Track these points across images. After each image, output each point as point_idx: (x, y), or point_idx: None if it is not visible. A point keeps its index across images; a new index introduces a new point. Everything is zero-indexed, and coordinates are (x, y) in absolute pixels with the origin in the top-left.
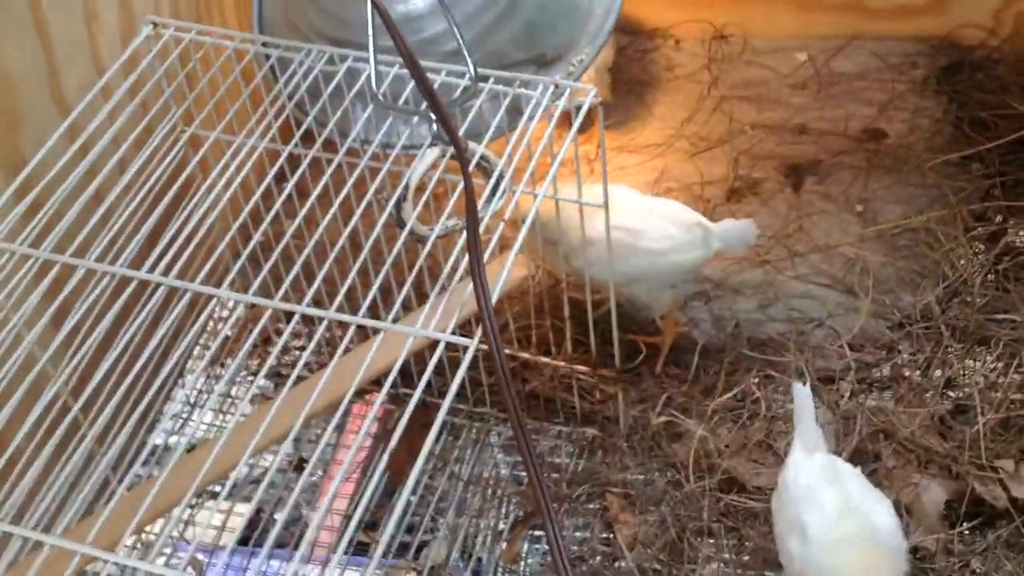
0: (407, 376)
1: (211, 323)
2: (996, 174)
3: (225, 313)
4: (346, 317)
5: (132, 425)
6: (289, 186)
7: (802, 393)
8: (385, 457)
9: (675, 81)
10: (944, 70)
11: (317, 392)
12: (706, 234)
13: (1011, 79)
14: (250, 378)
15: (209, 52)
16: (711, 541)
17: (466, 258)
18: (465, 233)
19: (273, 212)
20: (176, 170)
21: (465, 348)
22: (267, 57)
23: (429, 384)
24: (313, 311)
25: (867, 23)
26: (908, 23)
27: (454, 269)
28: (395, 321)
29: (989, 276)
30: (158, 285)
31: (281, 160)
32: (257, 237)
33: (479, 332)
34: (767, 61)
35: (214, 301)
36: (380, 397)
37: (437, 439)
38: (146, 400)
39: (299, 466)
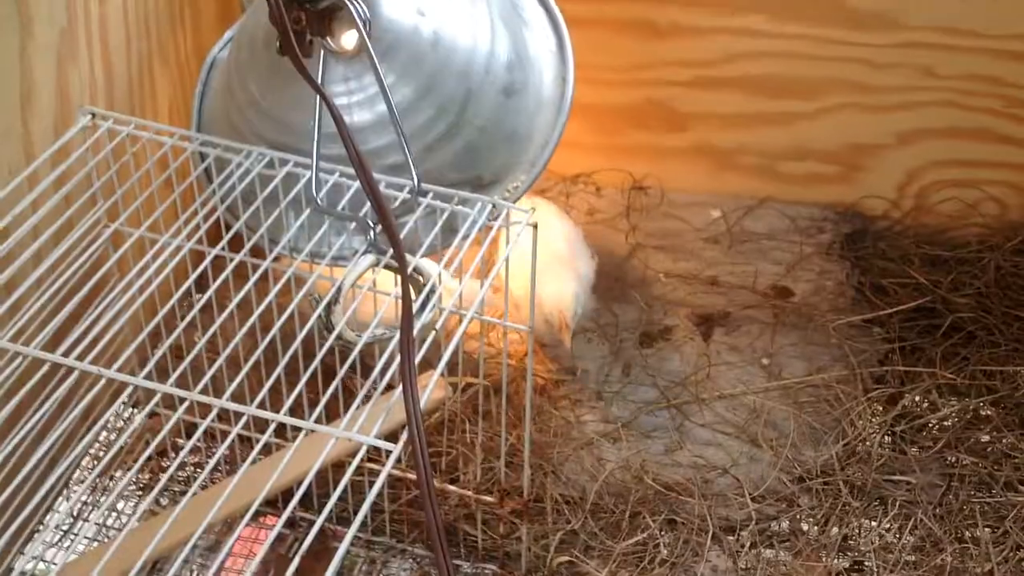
0: (304, 500)
1: (104, 433)
2: (895, 339)
3: (120, 424)
4: (268, 414)
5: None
6: (211, 289)
7: None
8: None
9: (595, 226)
10: (849, 236)
11: (224, 497)
12: None
13: (911, 250)
14: (139, 493)
15: (145, 147)
16: None
17: (389, 370)
18: (392, 343)
19: (191, 315)
20: (94, 266)
21: (388, 452)
22: (202, 156)
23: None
24: (234, 406)
25: (778, 187)
26: (817, 190)
27: (379, 378)
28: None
29: (886, 437)
30: (69, 371)
31: (206, 262)
32: (171, 340)
33: (403, 437)
34: (683, 214)
35: (116, 403)
36: (285, 514)
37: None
38: (33, 502)
39: None
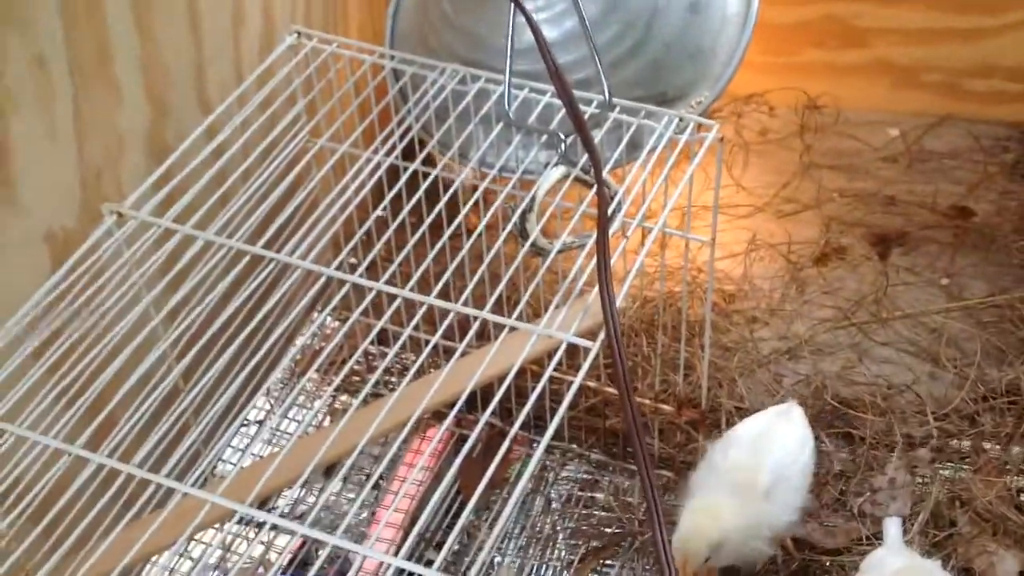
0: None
1: (305, 339)
2: None
3: (329, 328)
4: (473, 311)
5: (227, 400)
6: (411, 202)
7: (893, 524)
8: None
9: (767, 146)
10: None
11: (436, 387)
12: None
13: None
14: (334, 395)
15: (347, 66)
16: None
17: (584, 275)
18: (583, 250)
19: (395, 224)
20: (298, 181)
21: (586, 351)
22: (396, 76)
23: (509, 412)
24: (441, 303)
25: (961, 104)
26: (1002, 108)
27: (573, 283)
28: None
29: None
30: (271, 262)
31: (404, 178)
32: (380, 243)
33: (601, 335)
34: (859, 133)
35: (326, 311)
36: (487, 410)
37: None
38: (244, 374)
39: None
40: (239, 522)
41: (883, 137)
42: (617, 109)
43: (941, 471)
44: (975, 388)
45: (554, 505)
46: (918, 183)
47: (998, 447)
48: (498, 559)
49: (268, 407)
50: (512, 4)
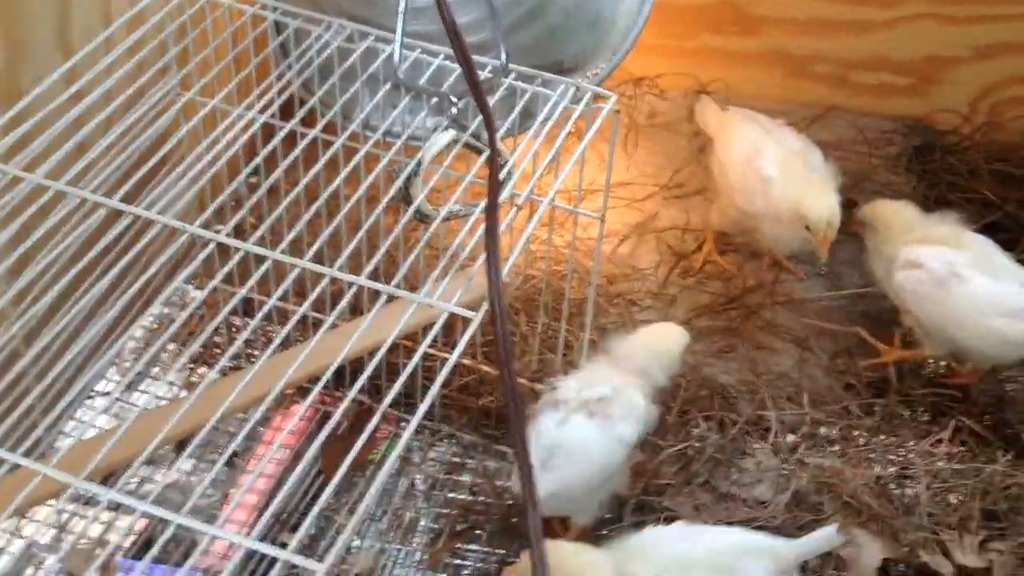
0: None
1: (162, 308)
2: None
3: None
4: (348, 276)
5: (72, 366)
6: (284, 163)
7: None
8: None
9: (656, 129)
10: (917, 150)
11: (300, 359)
12: None
13: (980, 165)
14: (191, 367)
15: (225, 15)
16: None
17: (466, 249)
18: (468, 220)
19: (266, 185)
20: (164, 135)
21: (465, 325)
22: (278, 29)
23: (379, 389)
24: (314, 266)
25: (848, 96)
26: (887, 101)
27: (455, 255)
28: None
29: None
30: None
31: (279, 137)
32: (250, 203)
33: (484, 307)
34: None
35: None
36: (318, 386)
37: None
38: (91, 339)
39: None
40: (77, 500)
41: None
42: (513, 75)
43: (809, 458)
44: (845, 378)
45: (419, 487)
46: None
47: (866, 436)
48: (357, 543)
49: (119, 378)
50: None
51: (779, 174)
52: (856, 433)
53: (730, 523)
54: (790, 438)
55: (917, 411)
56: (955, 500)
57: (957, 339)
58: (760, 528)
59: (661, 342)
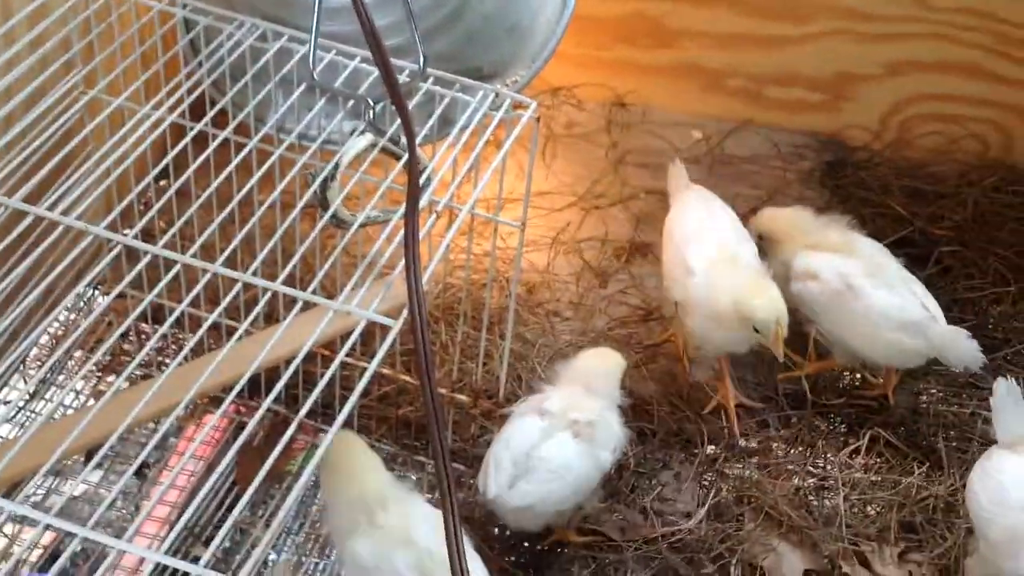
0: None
1: (65, 314)
2: None
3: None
4: (263, 282)
5: None
6: (194, 165)
7: (1004, 387)
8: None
9: (574, 140)
10: (830, 165)
11: (212, 367)
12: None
13: (891, 181)
14: (98, 375)
15: (131, 10)
16: None
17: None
18: (387, 227)
19: (173, 188)
20: (68, 133)
21: (384, 333)
22: (189, 26)
23: (295, 399)
24: (226, 271)
25: (762, 111)
26: (801, 117)
27: (373, 263)
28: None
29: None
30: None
31: (188, 138)
32: (159, 205)
33: (404, 314)
34: (664, 133)
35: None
36: (231, 397)
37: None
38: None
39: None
40: None
41: (687, 138)
42: (431, 80)
43: (729, 469)
44: (763, 390)
45: None
46: (720, 186)
47: (784, 447)
48: (273, 557)
49: (23, 385)
50: None
51: (704, 269)
52: (775, 445)
53: (652, 540)
54: (710, 450)
55: (834, 422)
56: (873, 512)
57: (857, 349)
58: (682, 542)
59: (602, 363)
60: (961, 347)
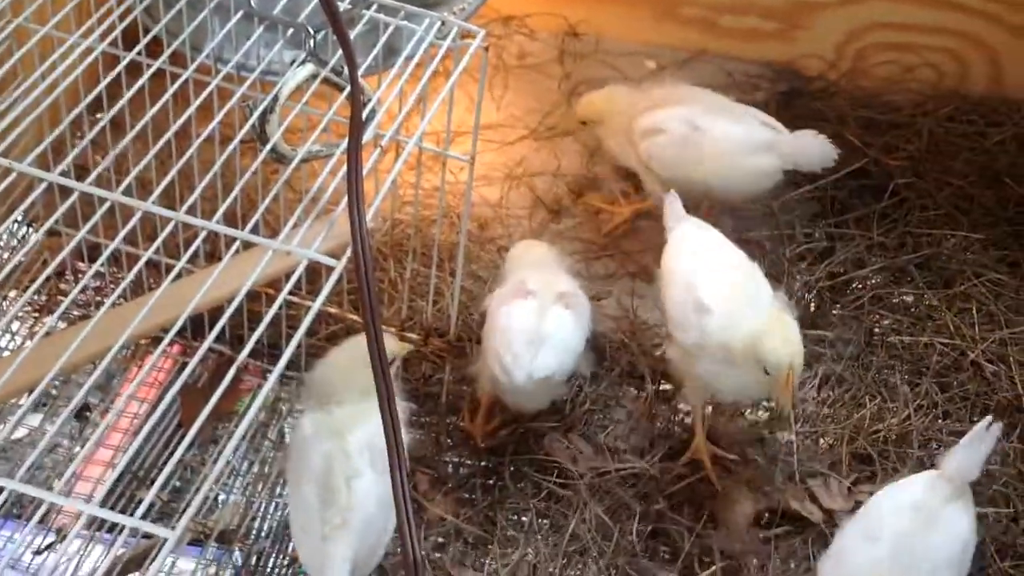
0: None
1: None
2: (827, 199)
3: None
4: (199, 221)
5: None
6: (127, 95)
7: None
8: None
9: (526, 70)
10: (784, 95)
11: (149, 307)
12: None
13: (846, 112)
14: (35, 315)
15: None
16: (524, 522)
17: (329, 188)
18: (330, 161)
19: (105, 119)
20: None
21: (329, 271)
22: None
23: (241, 339)
24: (159, 210)
25: (716, 40)
26: (755, 46)
27: (316, 199)
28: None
29: (810, 293)
30: None
31: (120, 67)
32: (89, 136)
33: (347, 254)
34: (617, 63)
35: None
36: (169, 337)
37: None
38: None
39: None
40: None
41: (641, 69)
42: (374, 7)
43: (681, 407)
44: None
45: (287, 440)
46: None
47: None
48: (223, 497)
49: None
50: None
51: (720, 304)
52: None
53: (604, 473)
54: (663, 386)
55: None
56: (825, 445)
57: (711, 185)
58: (636, 477)
59: (538, 249)
60: (811, 149)
